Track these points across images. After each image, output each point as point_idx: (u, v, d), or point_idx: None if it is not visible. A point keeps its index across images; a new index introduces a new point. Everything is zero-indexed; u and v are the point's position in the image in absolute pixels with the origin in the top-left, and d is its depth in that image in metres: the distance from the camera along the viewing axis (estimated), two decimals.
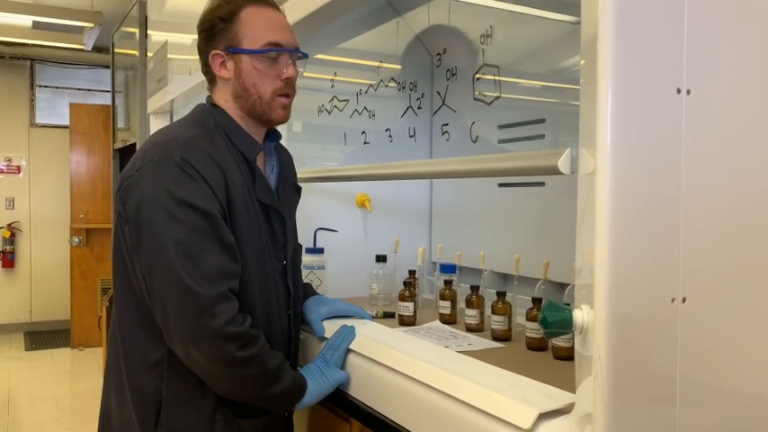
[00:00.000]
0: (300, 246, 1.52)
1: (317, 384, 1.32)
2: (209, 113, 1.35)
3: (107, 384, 1.36)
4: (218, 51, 1.32)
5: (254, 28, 1.31)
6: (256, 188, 1.32)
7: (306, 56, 1.39)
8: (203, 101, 1.42)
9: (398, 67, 2.38)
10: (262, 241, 1.31)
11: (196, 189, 1.18)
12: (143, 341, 1.25)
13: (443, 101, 2.27)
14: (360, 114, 2.30)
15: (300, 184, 2.10)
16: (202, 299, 1.13)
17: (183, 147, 1.21)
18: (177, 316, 1.14)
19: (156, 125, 3.32)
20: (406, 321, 1.81)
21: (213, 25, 1.33)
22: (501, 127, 2.01)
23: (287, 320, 1.40)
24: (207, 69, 1.37)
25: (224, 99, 1.36)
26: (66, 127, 6.34)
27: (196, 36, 1.39)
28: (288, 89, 1.36)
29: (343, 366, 1.40)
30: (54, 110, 6.85)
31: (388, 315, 1.90)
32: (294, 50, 1.35)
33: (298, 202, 1.50)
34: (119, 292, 1.29)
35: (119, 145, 4.36)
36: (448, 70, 2.24)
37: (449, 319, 1.82)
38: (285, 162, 1.50)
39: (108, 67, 5.26)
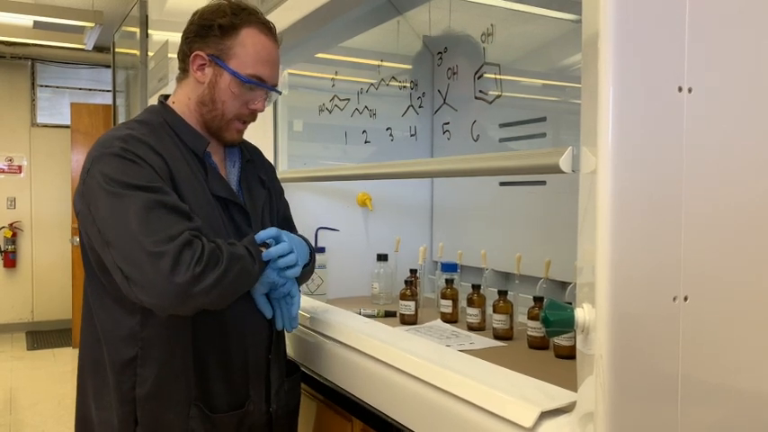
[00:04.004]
0: None
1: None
2: (158, 113, 1.35)
3: (82, 390, 1.34)
4: (201, 54, 1.32)
5: (247, 52, 1.31)
6: (209, 182, 1.31)
7: (279, 93, 1.41)
8: None
9: (399, 65, 2.38)
10: (221, 236, 1.28)
11: (140, 171, 1.17)
12: (119, 340, 1.24)
13: (444, 99, 2.27)
14: (361, 113, 2.30)
15: (302, 183, 2.09)
16: (158, 263, 1.09)
17: (122, 140, 1.21)
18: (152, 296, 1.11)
19: None
20: (408, 320, 1.81)
21: (209, 26, 1.31)
22: (502, 125, 2.00)
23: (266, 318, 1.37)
24: (183, 60, 1.36)
25: (187, 97, 1.36)
26: (67, 126, 6.34)
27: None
28: (250, 118, 1.39)
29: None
30: (55, 109, 6.86)
31: (389, 314, 1.90)
32: (271, 89, 1.37)
33: (265, 196, 1.46)
34: (91, 290, 1.29)
35: None
36: (449, 69, 2.24)
37: (450, 318, 1.82)
38: (248, 156, 1.48)
39: (109, 66, 5.27)
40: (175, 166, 1.25)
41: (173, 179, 1.23)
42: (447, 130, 2.28)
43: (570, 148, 0.97)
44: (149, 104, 3.42)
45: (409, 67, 2.38)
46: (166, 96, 1.40)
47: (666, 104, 0.84)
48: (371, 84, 2.31)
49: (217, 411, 1.28)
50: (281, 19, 1.65)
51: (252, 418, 1.34)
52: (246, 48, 1.31)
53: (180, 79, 1.39)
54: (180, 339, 1.25)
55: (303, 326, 1.63)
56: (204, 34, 1.32)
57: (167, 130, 1.32)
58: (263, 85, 1.34)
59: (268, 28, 1.35)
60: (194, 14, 1.36)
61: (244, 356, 1.33)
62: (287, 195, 1.59)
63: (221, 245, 1.18)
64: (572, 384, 0.94)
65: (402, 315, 1.82)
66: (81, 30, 4.96)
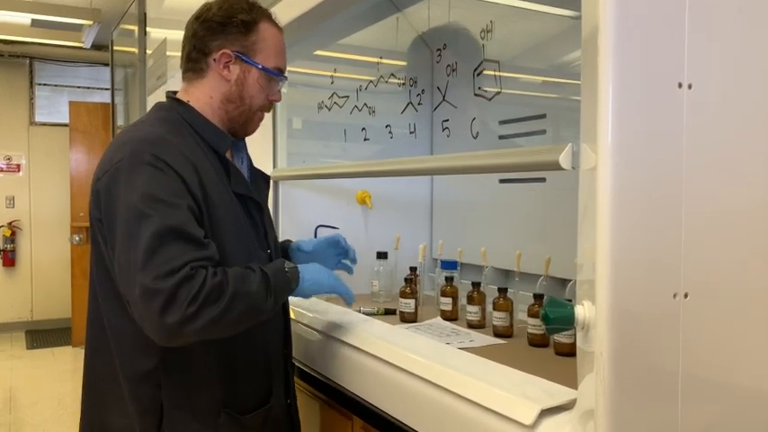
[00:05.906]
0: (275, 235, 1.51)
1: (315, 271, 1.33)
2: (173, 110, 1.33)
3: (98, 401, 1.31)
4: (227, 51, 1.30)
5: (268, 46, 1.34)
6: (232, 181, 1.30)
7: (286, 78, 1.44)
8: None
9: (398, 63, 2.38)
10: (246, 233, 1.29)
11: (167, 184, 1.15)
12: (137, 350, 1.22)
13: (444, 96, 2.27)
14: (360, 111, 2.30)
15: (301, 180, 2.09)
16: (160, 296, 1.07)
17: (153, 144, 1.18)
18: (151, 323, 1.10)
19: None
20: (408, 318, 1.81)
21: (230, 23, 1.30)
22: (502, 123, 2.00)
23: (281, 310, 1.38)
24: (198, 59, 1.33)
25: (208, 96, 1.33)
26: (65, 125, 6.34)
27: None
28: (269, 109, 1.42)
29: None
30: (53, 108, 6.85)
31: (389, 312, 1.90)
32: (286, 79, 1.41)
33: (268, 192, 1.49)
34: (106, 299, 1.25)
35: None
36: (448, 66, 2.23)
37: (450, 316, 1.82)
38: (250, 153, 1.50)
39: (107, 64, 5.26)
40: (203, 169, 1.23)
41: (202, 185, 1.21)
42: (446, 128, 2.28)
43: (570, 145, 0.97)
44: (148, 102, 3.41)
45: (408, 63, 2.38)
46: (175, 92, 1.38)
47: (666, 101, 0.83)
48: (370, 81, 2.30)
49: (244, 413, 1.28)
50: (280, 16, 1.64)
51: (274, 413, 1.35)
52: (267, 41, 1.34)
53: (193, 79, 1.35)
54: (205, 347, 1.22)
55: (303, 324, 1.63)
56: (224, 32, 1.31)
57: (187, 128, 1.30)
58: (283, 77, 1.39)
59: (276, 23, 1.39)
60: (207, 11, 1.33)
61: (266, 353, 1.33)
62: (286, 193, 1.59)
63: (229, 279, 1.13)
64: (572, 382, 0.94)
65: (402, 313, 1.82)
66: (79, 28, 4.96)
